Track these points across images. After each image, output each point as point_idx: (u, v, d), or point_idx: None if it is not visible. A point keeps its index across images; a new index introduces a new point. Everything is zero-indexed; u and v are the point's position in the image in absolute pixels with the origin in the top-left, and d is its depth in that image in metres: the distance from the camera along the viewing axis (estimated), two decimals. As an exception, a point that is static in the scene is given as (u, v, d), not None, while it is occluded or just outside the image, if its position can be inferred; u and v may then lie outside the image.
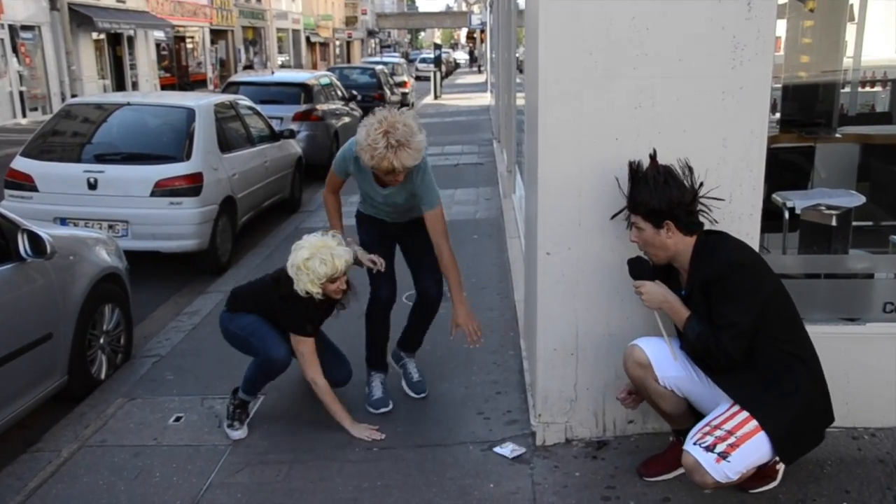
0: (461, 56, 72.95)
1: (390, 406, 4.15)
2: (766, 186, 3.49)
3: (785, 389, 2.95)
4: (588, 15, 3.26)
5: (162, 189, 6.62)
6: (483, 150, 14.45)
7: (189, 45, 35.14)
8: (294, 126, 10.76)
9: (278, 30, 49.58)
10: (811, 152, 5.46)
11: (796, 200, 4.30)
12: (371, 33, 78.08)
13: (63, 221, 6.50)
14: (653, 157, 3.11)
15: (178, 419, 4.15)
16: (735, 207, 3.40)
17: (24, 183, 6.77)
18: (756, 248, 3.55)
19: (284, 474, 3.59)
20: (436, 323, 4.36)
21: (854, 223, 4.83)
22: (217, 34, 38.87)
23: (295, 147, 10.02)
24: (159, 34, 30.58)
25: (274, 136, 9.23)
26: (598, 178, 3.36)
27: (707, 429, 2.95)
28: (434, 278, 4.14)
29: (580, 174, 3.40)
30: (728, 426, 2.93)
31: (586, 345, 3.60)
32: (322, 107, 12.45)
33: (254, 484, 3.53)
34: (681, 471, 3.34)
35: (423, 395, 4.28)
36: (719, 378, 3.04)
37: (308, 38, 56.60)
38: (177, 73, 32.26)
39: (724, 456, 2.87)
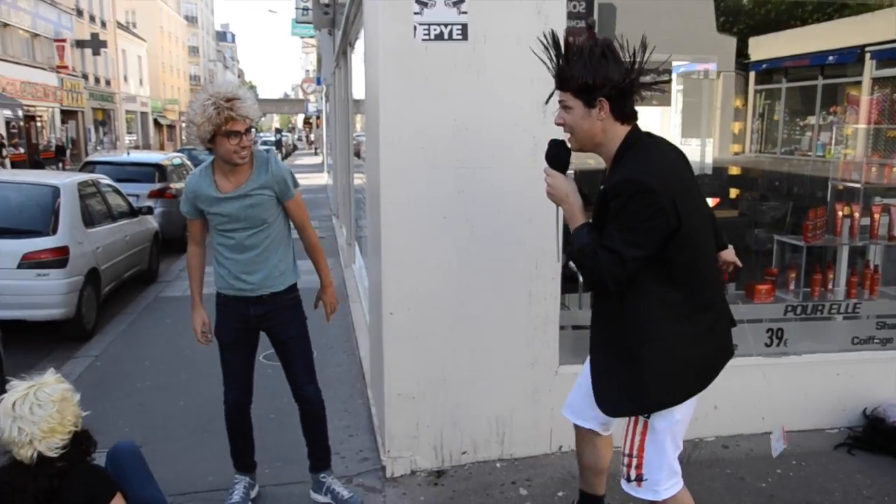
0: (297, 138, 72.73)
1: None
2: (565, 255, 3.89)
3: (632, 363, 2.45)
4: (418, 116, 3.57)
5: (29, 261, 6.37)
6: (323, 224, 14.52)
7: (39, 124, 33.21)
8: (150, 203, 10.54)
9: (127, 111, 47.87)
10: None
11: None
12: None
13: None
14: (591, 26, 2.58)
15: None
16: (542, 272, 3.82)
17: None
18: (556, 308, 3.95)
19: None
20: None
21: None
22: (68, 114, 36.97)
23: (152, 222, 9.80)
24: (8, 112, 28.84)
25: (133, 213, 9.01)
26: (431, 250, 3.68)
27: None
28: (308, 376, 3.50)
29: (416, 248, 3.69)
30: (626, 447, 2.50)
31: (425, 389, 3.85)
32: (175, 185, 12.19)
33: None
34: None
35: None
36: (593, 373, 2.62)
37: (156, 120, 55.06)
38: (27, 150, 30.26)
39: (639, 479, 2.46)
